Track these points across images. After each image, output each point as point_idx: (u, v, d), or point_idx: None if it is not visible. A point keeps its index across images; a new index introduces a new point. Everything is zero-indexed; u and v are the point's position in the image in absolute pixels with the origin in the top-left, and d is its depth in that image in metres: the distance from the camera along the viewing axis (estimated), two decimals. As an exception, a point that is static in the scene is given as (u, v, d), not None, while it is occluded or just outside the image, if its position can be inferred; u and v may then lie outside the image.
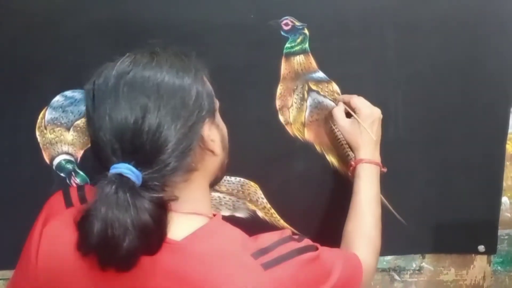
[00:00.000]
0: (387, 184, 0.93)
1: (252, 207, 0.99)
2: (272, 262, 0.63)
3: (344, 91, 0.96)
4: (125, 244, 0.57)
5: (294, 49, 0.94)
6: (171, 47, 0.68)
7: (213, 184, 0.75)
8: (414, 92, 0.97)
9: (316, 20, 0.93)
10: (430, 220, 1.03)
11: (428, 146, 1.00)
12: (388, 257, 1.05)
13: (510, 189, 1.04)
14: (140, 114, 0.61)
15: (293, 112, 0.97)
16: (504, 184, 1.03)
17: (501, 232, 1.05)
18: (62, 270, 0.64)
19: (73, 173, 0.95)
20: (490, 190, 1.03)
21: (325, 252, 0.71)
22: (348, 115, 0.92)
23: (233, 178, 0.98)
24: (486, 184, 1.02)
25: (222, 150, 0.72)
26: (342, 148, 0.93)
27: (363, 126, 0.88)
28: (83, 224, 0.59)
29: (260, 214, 0.99)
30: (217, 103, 0.71)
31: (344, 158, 0.95)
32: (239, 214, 0.99)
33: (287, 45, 0.94)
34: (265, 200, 0.99)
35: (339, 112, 0.92)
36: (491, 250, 1.05)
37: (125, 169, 0.59)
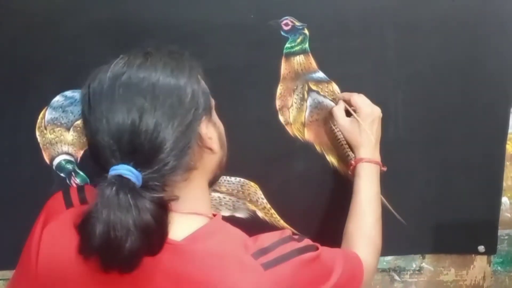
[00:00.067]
0: (387, 184, 0.93)
1: (252, 207, 0.99)
2: (272, 262, 0.63)
3: (344, 91, 0.96)
4: (127, 245, 0.57)
5: (294, 49, 0.94)
6: (164, 46, 0.68)
7: (212, 182, 0.75)
8: (414, 92, 0.97)
9: (316, 20, 0.93)
10: (430, 220, 1.03)
11: (428, 146, 1.00)
12: (388, 257, 1.05)
13: (510, 189, 1.04)
14: (137, 115, 0.61)
15: (293, 112, 0.97)
16: (504, 184, 1.03)
17: (501, 232, 1.05)
18: (62, 271, 0.64)
19: (73, 173, 0.95)
20: (490, 190, 1.03)
21: (325, 252, 0.71)
22: (348, 113, 0.92)
23: (233, 179, 0.98)
24: (486, 184, 1.02)
25: (220, 147, 0.72)
26: (342, 148, 0.93)
27: (362, 126, 0.88)
28: (84, 227, 0.59)
29: (260, 214, 0.99)
30: (213, 101, 0.71)
31: (344, 158, 0.95)
32: (239, 215, 0.99)
33: (287, 45, 0.94)
34: (265, 201, 0.99)
35: (339, 111, 0.92)
36: (491, 250, 1.05)
37: (124, 170, 0.59)
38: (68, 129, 0.94)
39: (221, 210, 0.98)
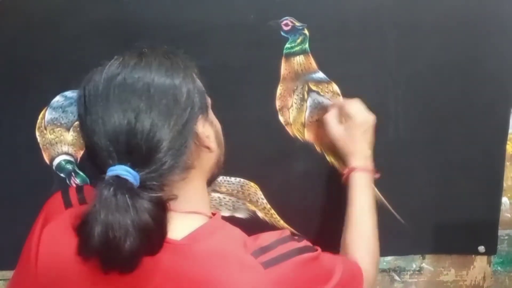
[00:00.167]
0: (387, 184, 0.93)
1: (252, 207, 0.99)
2: (272, 261, 0.63)
3: (344, 91, 0.96)
4: (126, 245, 0.57)
5: (294, 50, 0.94)
6: (159, 46, 0.68)
7: (211, 181, 0.75)
8: (414, 92, 0.97)
9: (316, 20, 0.93)
10: (430, 220, 1.02)
11: (428, 146, 1.00)
12: (388, 258, 1.05)
13: (510, 189, 1.04)
14: (132, 115, 0.61)
15: (293, 113, 0.97)
16: (504, 184, 1.03)
17: (501, 232, 1.05)
18: (62, 271, 0.64)
19: (73, 173, 0.95)
20: (490, 191, 1.03)
21: (325, 255, 0.71)
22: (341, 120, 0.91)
23: (233, 179, 0.98)
24: (486, 184, 1.02)
25: (218, 146, 0.72)
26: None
27: (356, 134, 0.87)
28: (83, 228, 0.59)
29: (260, 214, 0.99)
30: (209, 100, 0.71)
31: (344, 158, 0.95)
32: (239, 215, 0.99)
33: (287, 45, 0.94)
34: (265, 201, 0.99)
35: (331, 118, 0.91)
36: (491, 250, 1.05)
37: (122, 170, 0.59)
38: (68, 129, 0.94)
39: (221, 211, 0.98)
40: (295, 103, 0.96)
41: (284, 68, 0.95)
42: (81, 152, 0.95)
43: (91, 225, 0.57)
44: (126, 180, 0.58)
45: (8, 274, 0.92)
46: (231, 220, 0.89)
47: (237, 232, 0.68)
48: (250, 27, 0.92)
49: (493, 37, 0.96)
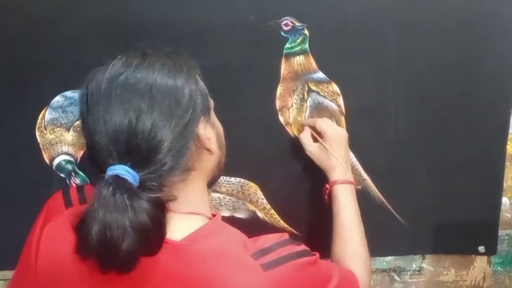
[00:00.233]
0: (387, 184, 0.92)
1: (252, 207, 0.99)
2: (272, 263, 0.63)
3: (344, 91, 0.96)
4: (124, 245, 0.57)
5: (294, 50, 0.94)
6: (162, 47, 0.68)
7: (211, 183, 0.75)
8: (414, 92, 0.97)
9: (316, 20, 0.93)
10: (430, 220, 1.03)
11: (428, 147, 1.00)
12: (388, 258, 1.05)
13: (510, 190, 1.04)
14: (134, 115, 0.60)
15: (293, 113, 0.97)
16: (504, 184, 1.03)
17: (501, 232, 1.05)
18: (62, 271, 0.64)
19: (73, 173, 0.95)
20: (490, 191, 1.03)
21: (322, 261, 0.71)
22: (316, 139, 0.92)
23: (233, 179, 0.98)
24: (486, 184, 1.02)
25: (219, 148, 0.71)
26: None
27: (330, 150, 0.88)
28: (81, 227, 0.59)
29: (260, 214, 0.99)
30: (211, 102, 0.71)
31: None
32: (239, 215, 0.99)
33: (287, 45, 0.94)
34: (265, 201, 0.99)
35: (305, 137, 0.92)
36: (491, 250, 1.05)
37: (121, 170, 0.58)
38: (68, 130, 0.94)
39: (221, 211, 0.98)
40: (295, 103, 0.96)
41: (284, 68, 0.95)
42: (81, 152, 0.95)
43: (89, 224, 0.57)
44: (125, 180, 0.58)
45: (8, 274, 0.92)
46: (231, 220, 0.89)
47: (237, 233, 0.68)
48: (250, 27, 0.92)
49: (493, 37, 0.96)
